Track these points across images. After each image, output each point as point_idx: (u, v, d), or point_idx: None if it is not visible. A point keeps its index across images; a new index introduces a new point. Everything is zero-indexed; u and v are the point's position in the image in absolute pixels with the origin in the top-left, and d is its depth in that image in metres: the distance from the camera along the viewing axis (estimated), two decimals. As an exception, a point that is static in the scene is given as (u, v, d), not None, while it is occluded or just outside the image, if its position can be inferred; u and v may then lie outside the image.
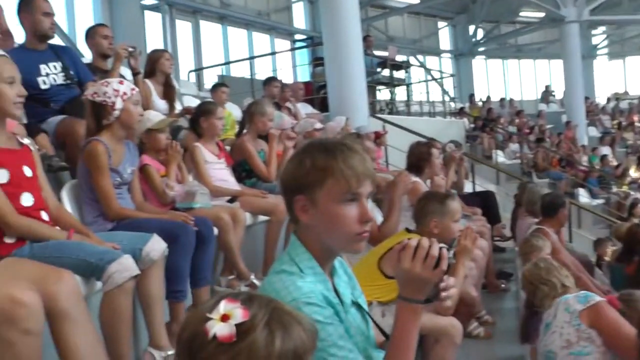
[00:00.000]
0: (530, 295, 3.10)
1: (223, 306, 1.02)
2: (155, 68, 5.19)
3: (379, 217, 3.75)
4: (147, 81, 5.04)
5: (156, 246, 2.74)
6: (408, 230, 3.16)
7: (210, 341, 0.99)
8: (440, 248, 1.45)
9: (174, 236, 2.94)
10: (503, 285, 5.71)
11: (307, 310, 1.40)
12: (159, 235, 2.80)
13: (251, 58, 12.39)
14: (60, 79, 4.02)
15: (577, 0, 17.24)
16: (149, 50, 5.74)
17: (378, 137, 7.72)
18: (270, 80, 7.99)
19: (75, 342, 2.02)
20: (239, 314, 1.01)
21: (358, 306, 1.67)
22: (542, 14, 19.88)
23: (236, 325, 1.00)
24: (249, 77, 11.15)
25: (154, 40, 13.07)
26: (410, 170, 4.62)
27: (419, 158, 4.70)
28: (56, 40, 4.39)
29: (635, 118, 19.82)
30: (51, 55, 4.07)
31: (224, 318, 1.00)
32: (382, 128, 8.51)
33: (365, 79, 9.26)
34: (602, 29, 26.45)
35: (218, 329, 0.99)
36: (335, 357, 1.45)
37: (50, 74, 3.98)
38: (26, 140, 2.64)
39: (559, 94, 20.51)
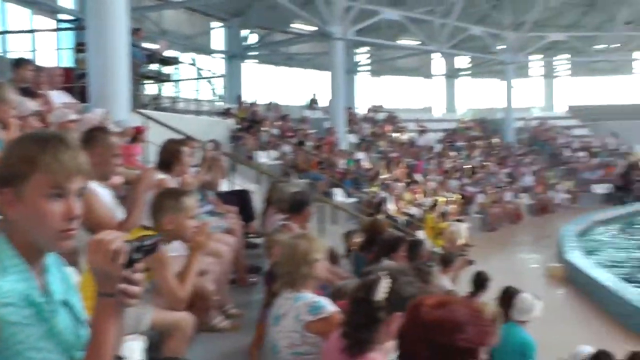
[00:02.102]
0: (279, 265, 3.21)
1: None
2: None
3: (121, 213, 3.67)
4: None
5: None
6: (145, 227, 3.16)
7: None
8: (130, 242, 1.47)
9: None
10: (252, 279, 5.94)
11: (4, 311, 1.37)
12: None
13: (3, 33, 11.16)
14: None
15: (343, 20, 18.57)
16: None
17: (138, 133, 7.55)
18: (22, 63, 7.28)
19: None
20: None
21: (70, 306, 1.65)
22: (312, 28, 21.06)
23: None
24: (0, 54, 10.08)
25: None
26: (161, 167, 4.61)
27: (169, 155, 4.71)
28: None
29: (388, 128, 22.00)
30: None
31: None
32: (144, 124, 8.33)
33: (131, 71, 8.98)
34: (365, 48, 29.04)
35: None
36: None
37: None
38: None
39: (323, 102, 21.86)
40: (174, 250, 3.33)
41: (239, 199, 7.03)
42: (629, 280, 10.81)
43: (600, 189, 23.60)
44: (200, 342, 3.69)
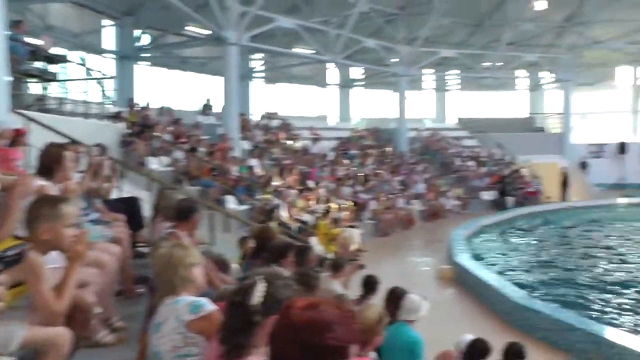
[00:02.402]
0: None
1: None
2: None
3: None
4: None
5: None
6: (17, 237, 2.96)
7: None
8: None
9: None
10: (140, 290, 5.74)
11: None
12: None
13: None
14: None
15: (238, 25, 18.43)
16: None
17: (18, 136, 7.14)
18: None
19: None
20: None
21: None
22: (207, 32, 20.74)
23: None
24: None
25: None
26: (41, 173, 4.36)
27: (50, 160, 4.46)
28: None
29: (282, 136, 22.07)
30: None
31: None
32: (26, 126, 7.89)
33: (10, 68, 8.47)
34: (260, 55, 29.03)
35: None
36: None
37: None
38: None
39: (217, 108, 21.58)
40: (52, 261, 3.15)
41: (128, 206, 6.79)
42: (512, 279, 11.63)
43: (487, 195, 25.08)
44: (81, 359, 3.52)
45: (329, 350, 1.70)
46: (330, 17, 24.78)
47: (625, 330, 8.29)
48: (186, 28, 23.59)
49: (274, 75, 30.89)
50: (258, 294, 2.34)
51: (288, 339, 1.73)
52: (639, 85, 36.71)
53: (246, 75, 27.42)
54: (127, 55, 22.82)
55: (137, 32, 23.16)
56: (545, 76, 35.20)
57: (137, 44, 23.29)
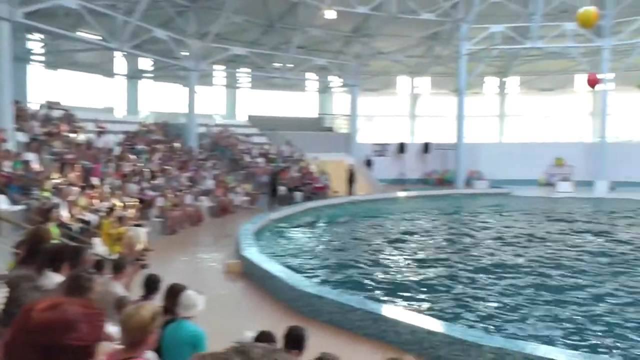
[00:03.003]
0: None
1: None
2: None
3: None
4: None
5: None
6: None
7: None
8: None
9: None
10: None
11: None
12: None
13: None
14: None
15: (11, -2, 16.66)
16: None
17: None
18: None
19: None
20: None
21: None
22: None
23: None
24: None
25: None
26: None
27: None
28: None
29: (63, 128, 20.53)
30: None
31: None
32: None
33: None
34: (40, 36, 26.63)
35: None
36: None
37: None
38: None
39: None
40: None
41: None
42: (297, 269, 12.36)
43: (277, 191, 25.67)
44: None
45: (73, 350, 1.62)
46: (118, 1, 23.58)
47: (399, 306, 9.52)
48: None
49: (55, 60, 28.47)
50: None
51: (27, 343, 1.61)
52: (415, 94, 41.28)
53: (23, 57, 24.98)
54: None
55: None
56: (334, 80, 37.34)
57: None
